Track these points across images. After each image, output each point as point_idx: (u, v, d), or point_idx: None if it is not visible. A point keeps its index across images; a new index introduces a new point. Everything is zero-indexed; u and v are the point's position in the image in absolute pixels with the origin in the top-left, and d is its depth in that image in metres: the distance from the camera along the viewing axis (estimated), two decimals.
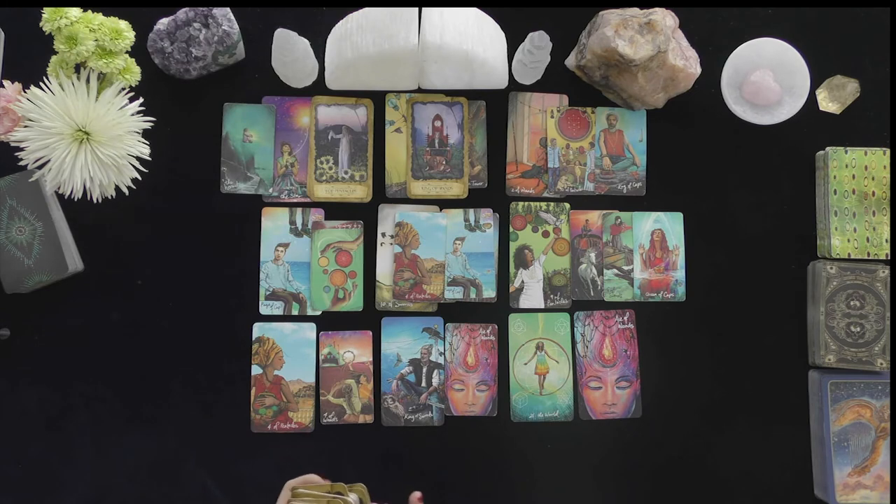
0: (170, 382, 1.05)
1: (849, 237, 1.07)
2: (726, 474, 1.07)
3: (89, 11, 0.94)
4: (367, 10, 1.01)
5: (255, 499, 1.04)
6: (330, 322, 1.07)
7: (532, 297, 1.08)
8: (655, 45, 1.01)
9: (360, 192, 1.08)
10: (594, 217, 1.10)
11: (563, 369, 1.07)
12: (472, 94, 1.10)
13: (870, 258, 1.07)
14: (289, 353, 1.06)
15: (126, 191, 0.96)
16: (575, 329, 1.08)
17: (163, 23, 1.04)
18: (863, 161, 1.07)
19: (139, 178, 0.96)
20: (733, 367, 1.08)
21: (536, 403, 1.07)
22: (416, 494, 0.89)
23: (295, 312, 1.07)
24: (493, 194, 1.09)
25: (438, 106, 1.09)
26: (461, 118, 1.08)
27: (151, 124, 0.96)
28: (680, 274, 1.09)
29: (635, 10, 1.04)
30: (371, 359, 1.06)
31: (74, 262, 1.04)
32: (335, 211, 1.08)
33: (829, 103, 1.10)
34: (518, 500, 1.06)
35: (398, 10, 0.98)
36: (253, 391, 1.05)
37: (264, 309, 1.06)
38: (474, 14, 1.02)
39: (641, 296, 1.09)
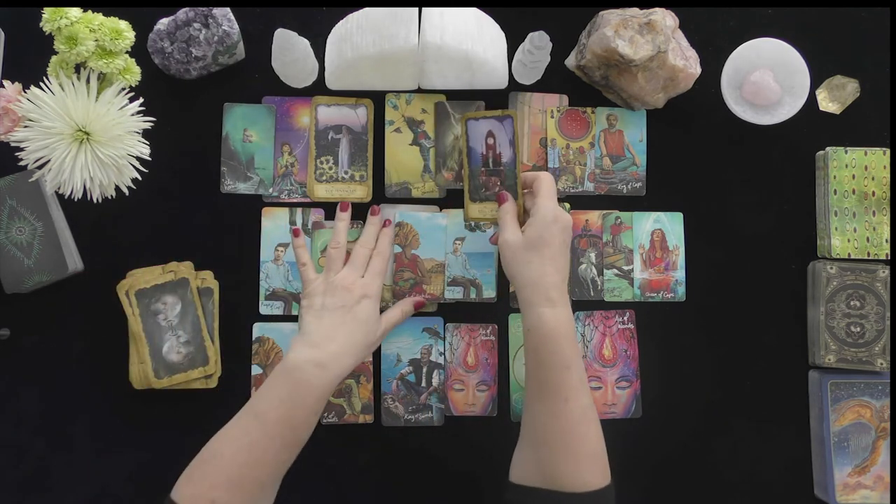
0: None
1: (849, 237, 1.07)
2: (726, 474, 1.07)
3: (89, 11, 0.94)
4: (367, 10, 1.01)
5: None
6: None
7: None
8: (655, 45, 1.01)
9: (360, 192, 1.08)
10: (594, 217, 1.09)
11: None
12: (472, 95, 1.09)
13: (870, 258, 1.07)
14: None
15: (126, 191, 0.96)
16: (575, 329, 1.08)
17: (163, 23, 1.04)
18: (863, 161, 1.07)
19: (139, 178, 0.96)
20: (733, 367, 1.08)
21: None
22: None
23: (295, 312, 1.06)
24: None
25: (491, 122, 1.01)
26: (511, 134, 1.00)
27: (151, 124, 0.96)
28: (680, 274, 1.09)
29: (635, 10, 1.04)
30: (371, 359, 1.06)
31: (74, 262, 1.04)
32: (335, 211, 1.08)
33: (829, 103, 1.10)
34: None
35: (398, 10, 0.98)
36: (253, 391, 1.05)
37: (264, 309, 1.06)
38: (474, 14, 1.02)
39: (641, 296, 1.08)
